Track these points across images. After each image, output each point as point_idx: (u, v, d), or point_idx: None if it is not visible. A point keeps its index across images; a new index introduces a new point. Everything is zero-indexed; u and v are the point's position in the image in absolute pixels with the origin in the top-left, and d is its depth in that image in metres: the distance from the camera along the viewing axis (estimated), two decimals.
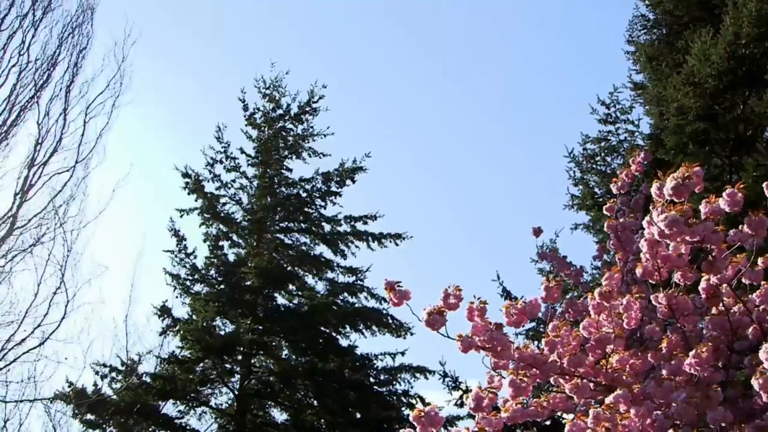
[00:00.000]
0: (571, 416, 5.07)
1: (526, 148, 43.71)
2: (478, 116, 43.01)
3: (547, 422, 5.52)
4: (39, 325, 13.89)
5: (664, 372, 4.95)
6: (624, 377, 5.08)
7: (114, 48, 16.54)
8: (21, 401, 14.96)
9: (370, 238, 19.75)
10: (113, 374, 17.46)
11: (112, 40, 17.51)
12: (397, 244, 19.74)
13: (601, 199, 12.13)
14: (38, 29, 15.57)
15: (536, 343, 5.60)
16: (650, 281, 5.14)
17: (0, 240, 14.05)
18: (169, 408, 17.93)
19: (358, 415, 18.09)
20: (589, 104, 13.58)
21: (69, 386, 16.49)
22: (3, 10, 15.18)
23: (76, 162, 15.31)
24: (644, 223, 4.79)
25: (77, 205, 15.19)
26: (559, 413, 5.67)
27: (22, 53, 15.26)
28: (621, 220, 6.40)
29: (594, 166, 13.37)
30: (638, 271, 5.09)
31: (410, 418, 4.87)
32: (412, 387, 18.34)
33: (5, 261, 14.16)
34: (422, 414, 4.81)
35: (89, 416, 16.82)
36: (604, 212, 6.69)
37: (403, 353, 18.45)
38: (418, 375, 18.26)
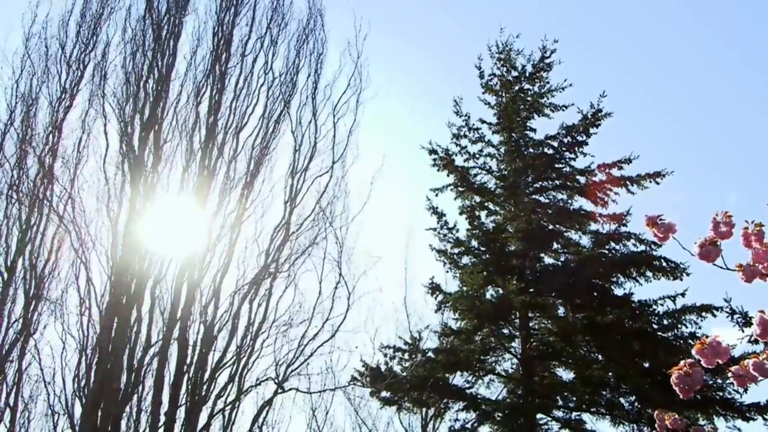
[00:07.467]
0: None
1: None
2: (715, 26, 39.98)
3: None
4: (327, 319, 14.97)
5: None
6: None
7: (348, 47, 17.30)
8: (323, 391, 16.13)
9: (628, 182, 19.07)
10: (399, 354, 18.34)
11: (344, 38, 18.28)
12: (657, 183, 18.89)
13: None
14: (277, 45, 16.70)
15: None
16: None
17: (278, 247, 15.23)
18: (458, 379, 18.51)
19: (646, 364, 17.57)
20: None
21: (364, 368, 17.54)
22: (244, 36, 16.41)
23: (333, 162, 16.24)
24: None
25: (341, 203, 16.09)
26: None
27: (267, 71, 16.44)
28: None
29: None
30: None
31: (693, 352, 4.59)
32: (699, 328, 17.40)
33: (288, 265, 15.34)
34: (705, 345, 4.51)
35: (385, 394, 17.81)
36: None
37: (683, 294, 17.57)
38: (704, 314, 17.29)
